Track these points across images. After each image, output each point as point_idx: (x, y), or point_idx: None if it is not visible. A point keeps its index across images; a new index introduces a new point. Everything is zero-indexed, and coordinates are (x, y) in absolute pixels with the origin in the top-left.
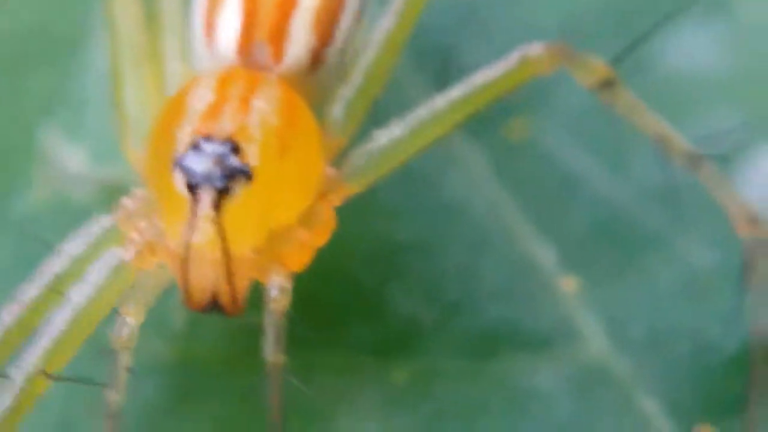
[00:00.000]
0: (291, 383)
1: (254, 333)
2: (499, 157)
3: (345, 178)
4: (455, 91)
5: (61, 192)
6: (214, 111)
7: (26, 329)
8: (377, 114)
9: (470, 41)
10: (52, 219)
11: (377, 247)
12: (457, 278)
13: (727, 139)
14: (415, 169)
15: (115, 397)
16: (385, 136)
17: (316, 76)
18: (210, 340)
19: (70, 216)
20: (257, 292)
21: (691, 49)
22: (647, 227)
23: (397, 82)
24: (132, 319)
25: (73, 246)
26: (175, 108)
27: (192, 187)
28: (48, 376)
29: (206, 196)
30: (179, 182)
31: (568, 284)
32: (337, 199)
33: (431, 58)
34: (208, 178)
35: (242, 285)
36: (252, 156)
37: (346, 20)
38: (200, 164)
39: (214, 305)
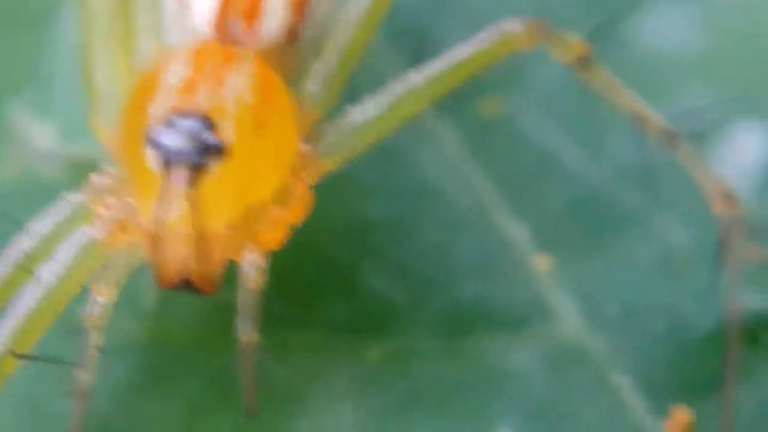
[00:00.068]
0: (265, 362)
1: (227, 312)
2: (474, 135)
3: (320, 156)
4: (432, 67)
5: (29, 169)
6: (188, 86)
7: None
8: (353, 94)
9: (446, 21)
10: (20, 197)
11: (351, 226)
12: (432, 257)
13: (702, 118)
14: (389, 147)
15: (85, 376)
16: (360, 113)
17: (292, 51)
18: (182, 319)
19: (39, 194)
20: (231, 271)
21: (665, 27)
22: (622, 205)
23: (373, 62)
24: (103, 297)
25: (42, 224)
26: (148, 83)
27: (165, 164)
28: (16, 355)
29: (180, 173)
30: (152, 159)
31: (543, 263)
32: (311, 177)
33: (407, 38)
34: (181, 155)
35: (216, 263)
36: (227, 132)
37: None
38: (174, 140)
39: (186, 284)
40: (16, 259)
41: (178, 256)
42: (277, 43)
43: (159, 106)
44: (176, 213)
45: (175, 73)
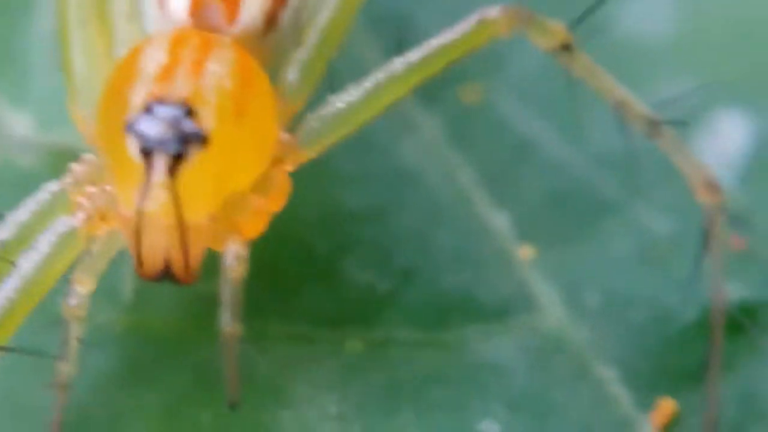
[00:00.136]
0: (246, 353)
1: (207, 302)
2: (454, 123)
3: (300, 144)
4: (412, 55)
5: (6, 158)
6: (167, 73)
7: None
8: (333, 84)
9: (427, 10)
10: None
11: (331, 214)
12: (413, 246)
13: (683, 105)
14: (368, 134)
15: (66, 368)
16: (340, 101)
17: (271, 38)
18: (161, 309)
19: (16, 182)
20: (210, 260)
21: (645, 15)
22: (603, 193)
23: (353, 50)
24: (83, 287)
25: (21, 214)
26: (126, 70)
27: (145, 152)
28: None
29: (160, 162)
30: (132, 147)
31: (524, 252)
32: (291, 165)
33: (387, 27)
34: (161, 143)
35: (196, 253)
36: (207, 120)
37: None
38: (153, 128)
39: (166, 274)
40: None
41: (159, 246)
42: (256, 31)
43: (138, 94)
44: (157, 202)
45: (154, 61)
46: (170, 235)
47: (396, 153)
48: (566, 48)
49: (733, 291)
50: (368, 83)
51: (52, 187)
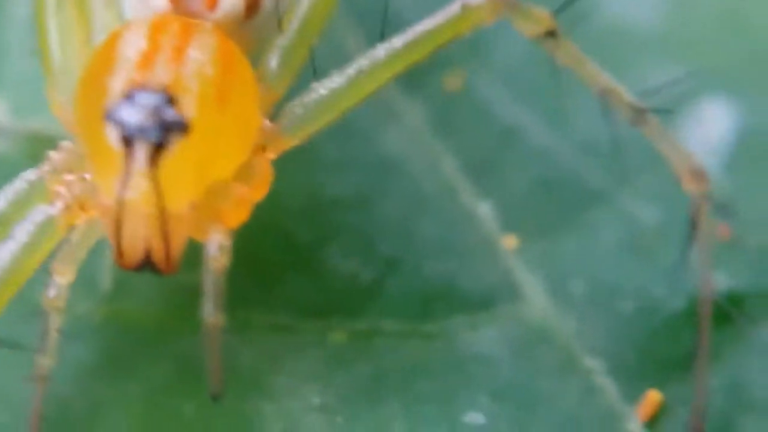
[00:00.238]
0: (228, 344)
1: (187, 292)
2: (437, 111)
3: (282, 131)
4: (396, 41)
5: None
6: (147, 60)
7: None
8: (316, 70)
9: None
10: None
11: (313, 203)
12: (396, 235)
13: (668, 93)
14: (351, 122)
15: (45, 360)
16: (323, 87)
17: (252, 24)
18: (141, 299)
19: None
20: (190, 250)
21: (631, 1)
22: (589, 182)
23: (335, 40)
24: (62, 277)
25: None
26: (105, 57)
27: (126, 141)
28: None
29: (141, 150)
30: (112, 135)
31: (508, 241)
32: (273, 153)
33: (370, 16)
34: (142, 131)
35: (178, 242)
36: (188, 107)
37: None
38: (134, 116)
39: (147, 263)
40: None
41: (139, 236)
42: (237, 16)
43: (118, 81)
44: (138, 191)
45: (134, 47)
46: (151, 225)
47: (379, 140)
48: (551, 35)
49: (720, 280)
50: (351, 70)
51: (30, 175)
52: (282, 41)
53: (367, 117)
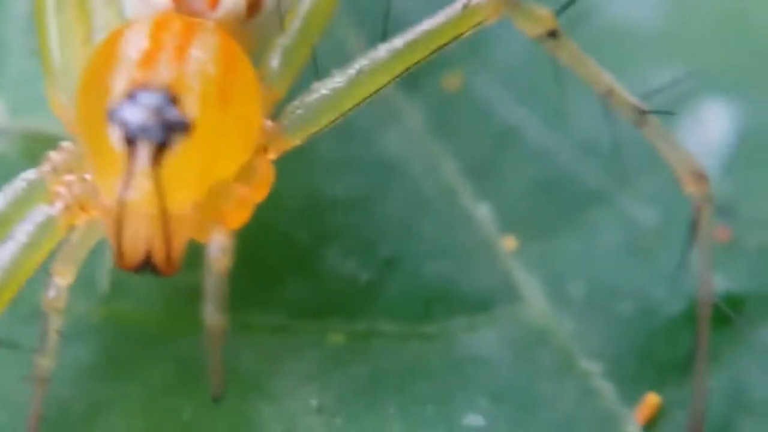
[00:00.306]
0: (227, 345)
1: (186, 292)
2: (436, 111)
3: (283, 131)
4: (397, 41)
5: None
6: (149, 59)
7: None
8: (317, 70)
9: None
10: None
11: (312, 204)
12: (395, 236)
13: (668, 94)
14: (350, 123)
15: (45, 361)
16: (325, 87)
17: (253, 23)
18: (139, 300)
19: None
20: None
21: (631, 2)
22: (588, 183)
23: (337, 40)
24: (62, 278)
25: None
26: (106, 55)
27: (128, 141)
28: None
29: (143, 150)
30: (114, 135)
31: (507, 243)
32: (275, 153)
33: (372, 16)
34: (145, 131)
35: (179, 243)
36: (190, 107)
37: None
38: (137, 116)
39: (147, 264)
40: None
41: (141, 237)
42: (238, 15)
43: (119, 80)
44: (140, 192)
45: (136, 46)
46: (152, 225)
47: (378, 142)
48: (553, 35)
49: (719, 282)
50: (353, 70)
51: (30, 175)
52: (283, 40)
53: (366, 117)
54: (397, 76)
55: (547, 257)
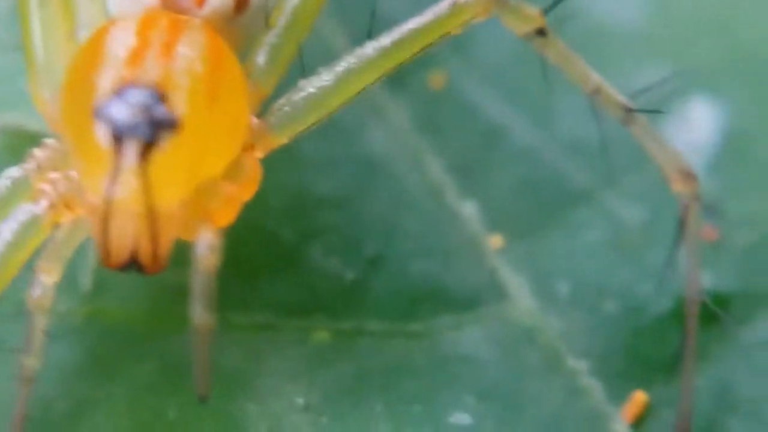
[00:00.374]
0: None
1: (170, 291)
2: (421, 110)
3: (270, 129)
4: (384, 39)
5: None
6: (136, 56)
7: None
8: (304, 71)
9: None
10: None
11: (296, 202)
12: (381, 234)
13: (653, 93)
14: (335, 121)
15: (30, 361)
16: (312, 85)
17: (240, 20)
18: (123, 298)
19: None
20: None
21: (617, 1)
22: (573, 182)
23: (324, 38)
24: (47, 277)
25: None
26: (92, 52)
27: (115, 139)
28: None
29: (131, 148)
30: (101, 133)
31: (493, 241)
32: (262, 151)
33: (358, 15)
34: (133, 129)
35: (166, 242)
36: (178, 104)
37: None
38: (124, 113)
39: (132, 263)
40: None
41: (127, 235)
42: (225, 12)
43: (106, 77)
44: (127, 190)
45: (123, 43)
46: (139, 224)
47: (363, 139)
48: (541, 33)
49: (706, 281)
50: (340, 68)
51: (13, 172)
52: (270, 38)
53: (351, 115)
54: (384, 74)
55: (533, 256)
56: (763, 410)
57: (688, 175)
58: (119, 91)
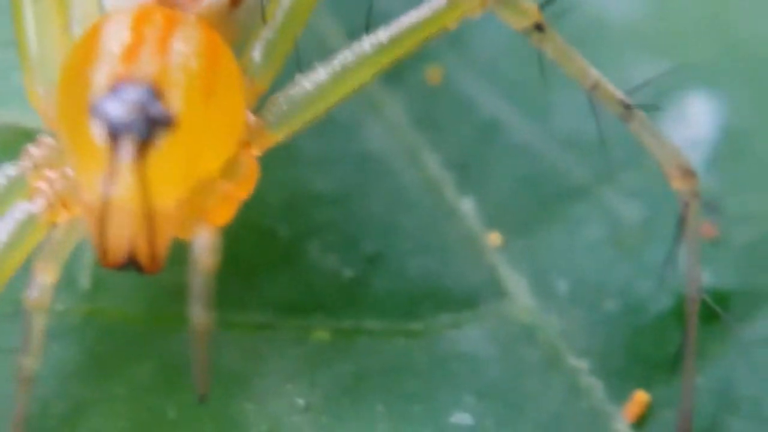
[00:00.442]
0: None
1: (169, 290)
2: (418, 105)
3: (267, 126)
4: (381, 34)
5: None
6: (131, 53)
7: None
8: (300, 66)
9: None
10: None
11: (294, 199)
12: (379, 232)
13: (650, 89)
14: (332, 117)
15: (30, 362)
16: (309, 81)
17: (235, 16)
18: (121, 298)
19: None
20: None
21: None
22: (571, 178)
23: (319, 34)
24: (45, 277)
25: None
26: (88, 48)
27: (111, 136)
28: None
29: (127, 146)
30: (97, 130)
31: (492, 238)
32: (259, 149)
33: (354, 10)
34: (129, 127)
35: (163, 241)
36: (174, 102)
37: None
38: (120, 111)
39: (130, 262)
40: None
41: (124, 234)
42: (220, 8)
43: (101, 74)
44: (123, 188)
45: (118, 39)
46: (136, 223)
47: (361, 136)
48: (538, 28)
49: (706, 279)
50: (337, 63)
51: (9, 170)
52: (266, 33)
53: (348, 111)
54: (381, 69)
55: (532, 253)
56: (764, 408)
57: (688, 172)
58: (115, 88)
